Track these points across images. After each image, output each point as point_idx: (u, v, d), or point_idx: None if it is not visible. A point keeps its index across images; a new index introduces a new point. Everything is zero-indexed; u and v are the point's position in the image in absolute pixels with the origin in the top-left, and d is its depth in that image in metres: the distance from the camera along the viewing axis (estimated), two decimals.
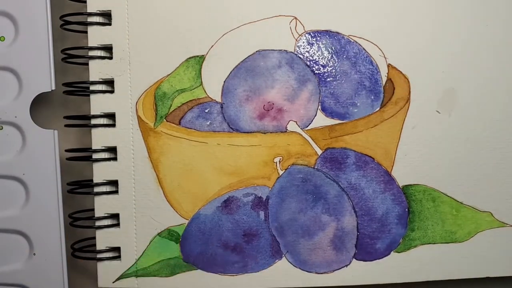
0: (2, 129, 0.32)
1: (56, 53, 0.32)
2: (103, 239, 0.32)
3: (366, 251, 0.32)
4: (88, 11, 0.32)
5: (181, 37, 0.32)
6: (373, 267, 0.32)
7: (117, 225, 0.32)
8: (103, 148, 0.32)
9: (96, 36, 0.32)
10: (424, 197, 0.32)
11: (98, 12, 0.32)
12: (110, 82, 0.32)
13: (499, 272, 0.33)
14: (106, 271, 0.32)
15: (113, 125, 0.32)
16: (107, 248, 0.32)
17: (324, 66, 0.32)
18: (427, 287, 0.33)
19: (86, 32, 0.32)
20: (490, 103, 0.33)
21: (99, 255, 0.32)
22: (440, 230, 0.32)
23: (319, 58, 0.32)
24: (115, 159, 0.32)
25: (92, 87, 0.32)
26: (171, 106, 0.32)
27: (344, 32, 0.32)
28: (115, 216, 0.32)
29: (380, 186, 0.32)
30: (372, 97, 0.32)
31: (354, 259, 0.32)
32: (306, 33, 0.32)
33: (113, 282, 0.32)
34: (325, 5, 0.32)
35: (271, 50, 0.32)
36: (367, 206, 0.32)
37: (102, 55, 0.32)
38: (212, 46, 0.32)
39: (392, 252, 0.32)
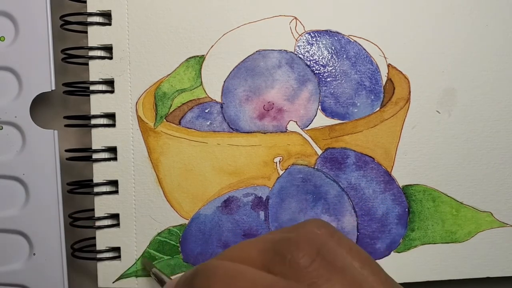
0: (2, 129, 0.32)
1: (56, 53, 0.32)
2: (103, 239, 0.32)
3: (366, 251, 0.32)
4: (88, 11, 0.32)
5: (181, 37, 0.32)
6: None
7: (117, 225, 0.32)
8: (103, 148, 0.32)
9: (96, 36, 0.32)
10: (424, 197, 0.32)
11: (98, 12, 0.32)
12: (110, 82, 0.32)
13: (499, 272, 0.33)
14: (106, 271, 0.32)
15: (113, 125, 0.32)
16: (107, 248, 0.32)
17: (324, 66, 0.32)
18: (427, 287, 0.33)
19: (86, 32, 0.32)
20: (490, 103, 0.33)
21: (99, 255, 0.32)
22: (440, 230, 0.32)
23: (319, 58, 0.32)
24: (115, 159, 0.32)
25: (92, 87, 0.32)
26: (171, 106, 0.32)
27: (344, 32, 0.32)
28: (115, 216, 0.32)
29: (380, 186, 0.32)
30: (372, 97, 0.32)
31: None
32: (306, 33, 0.32)
33: (113, 282, 0.32)
34: (325, 5, 0.32)
35: (271, 50, 0.32)
36: (367, 206, 0.32)
37: (102, 55, 0.32)
38: (212, 46, 0.32)
39: (392, 252, 0.32)
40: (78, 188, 0.32)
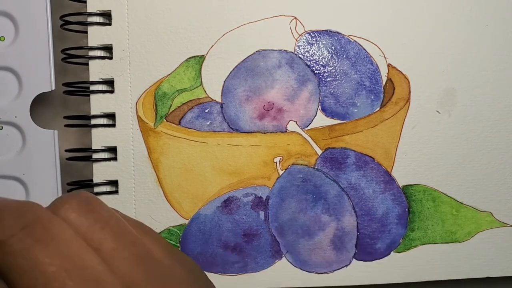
0: (2, 129, 0.32)
1: (56, 53, 0.32)
2: None
3: (366, 251, 0.32)
4: (88, 11, 0.32)
5: (181, 37, 0.32)
6: (373, 267, 0.32)
7: None
8: (103, 148, 0.32)
9: (96, 36, 0.32)
10: (424, 197, 0.32)
11: (98, 12, 0.32)
12: (110, 82, 0.32)
13: (499, 272, 0.33)
14: None
15: (113, 125, 0.32)
16: None
17: (324, 66, 0.32)
18: (427, 287, 0.33)
19: (86, 32, 0.32)
20: (490, 103, 0.33)
21: None
22: (440, 230, 0.32)
23: (319, 58, 0.32)
24: (115, 159, 0.32)
25: (92, 87, 0.32)
26: (171, 106, 0.32)
27: (344, 32, 0.32)
28: None
29: (380, 186, 0.32)
30: (372, 97, 0.32)
31: (354, 259, 0.32)
32: (306, 33, 0.32)
33: None
34: (325, 5, 0.32)
35: (271, 50, 0.32)
36: (367, 206, 0.32)
37: (102, 55, 0.32)
38: (212, 46, 0.32)
39: (392, 252, 0.32)
40: (78, 188, 0.32)
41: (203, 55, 0.32)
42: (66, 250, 0.16)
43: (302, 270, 0.32)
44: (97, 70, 0.32)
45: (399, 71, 0.32)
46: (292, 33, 0.32)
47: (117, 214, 0.19)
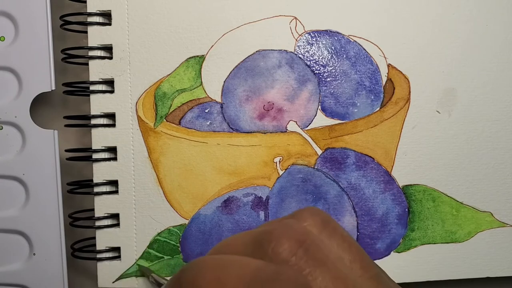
0: (2, 129, 0.32)
1: (56, 53, 0.32)
2: (103, 239, 0.32)
3: (366, 251, 0.32)
4: (88, 11, 0.32)
5: (181, 37, 0.32)
6: None
7: (117, 225, 0.32)
8: (103, 148, 0.32)
9: (96, 36, 0.32)
10: (424, 197, 0.32)
11: (98, 12, 0.32)
12: (110, 82, 0.32)
13: (499, 272, 0.33)
14: (106, 271, 0.32)
15: (113, 125, 0.32)
16: (107, 248, 0.32)
17: (324, 66, 0.32)
18: (427, 287, 0.33)
19: (86, 32, 0.32)
20: (490, 103, 0.33)
21: (99, 255, 0.32)
22: (440, 230, 0.32)
23: (319, 58, 0.32)
24: (115, 159, 0.32)
25: (92, 87, 0.32)
26: (171, 106, 0.32)
27: (344, 32, 0.32)
28: (115, 216, 0.32)
29: (380, 186, 0.32)
30: (372, 97, 0.32)
31: None
32: (306, 33, 0.32)
33: (113, 282, 0.32)
34: (325, 5, 0.32)
35: (271, 50, 0.32)
36: (367, 206, 0.32)
37: (102, 55, 0.32)
38: (212, 46, 0.32)
39: (392, 252, 0.32)
40: (78, 188, 0.32)
41: (203, 55, 0.32)
42: (334, 271, 0.17)
43: None
44: (97, 70, 0.32)
45: (399, 71, 0.32)
46: (292, 33, 0.32)
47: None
